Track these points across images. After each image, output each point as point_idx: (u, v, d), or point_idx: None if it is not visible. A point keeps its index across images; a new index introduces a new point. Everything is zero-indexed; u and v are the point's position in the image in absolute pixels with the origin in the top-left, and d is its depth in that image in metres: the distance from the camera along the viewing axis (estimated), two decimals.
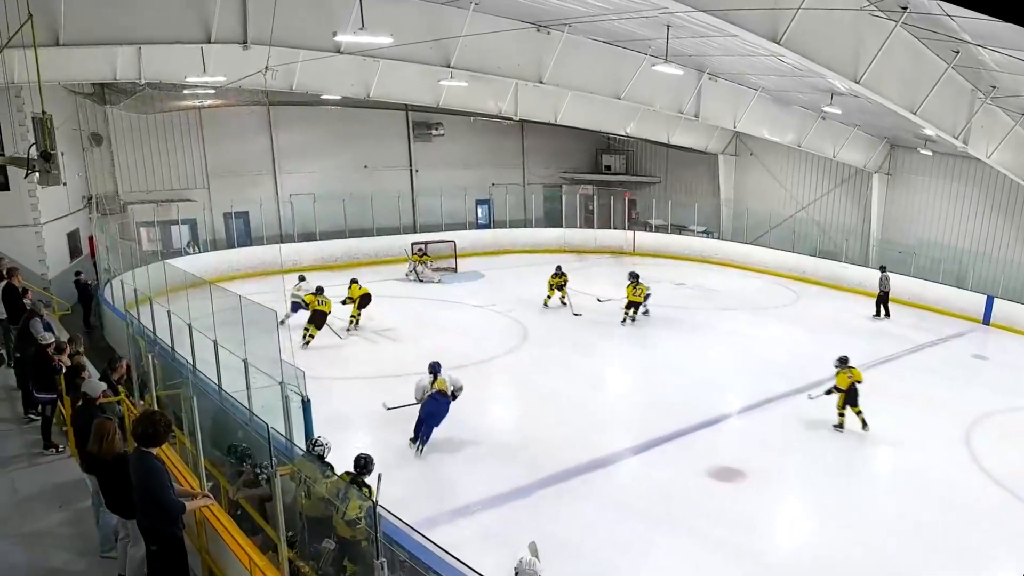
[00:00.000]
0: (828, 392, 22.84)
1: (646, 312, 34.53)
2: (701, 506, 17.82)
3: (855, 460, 20.81)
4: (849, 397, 22.61)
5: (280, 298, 31.99)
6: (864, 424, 22.33)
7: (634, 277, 33.75)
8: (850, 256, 43.40)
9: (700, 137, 49.38)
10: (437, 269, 42.63)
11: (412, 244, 43.67)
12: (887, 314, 36.43)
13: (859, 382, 22.75)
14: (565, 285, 36.03)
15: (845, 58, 23.45)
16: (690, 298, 37.37)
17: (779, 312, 36.39)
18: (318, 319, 29.33)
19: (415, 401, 20.91)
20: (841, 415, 22.62)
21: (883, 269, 37.45)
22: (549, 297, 36.25)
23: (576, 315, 34.35)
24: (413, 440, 20.27)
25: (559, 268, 36.69)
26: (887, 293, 36.54)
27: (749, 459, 20.12)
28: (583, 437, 21.28)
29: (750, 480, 19.10)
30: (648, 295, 34.06)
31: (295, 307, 31.44)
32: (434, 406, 20.47)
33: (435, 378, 20.86)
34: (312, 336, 29.18)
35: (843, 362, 23.12)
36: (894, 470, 20.77)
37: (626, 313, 33.50)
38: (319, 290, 30.03)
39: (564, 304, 35.61)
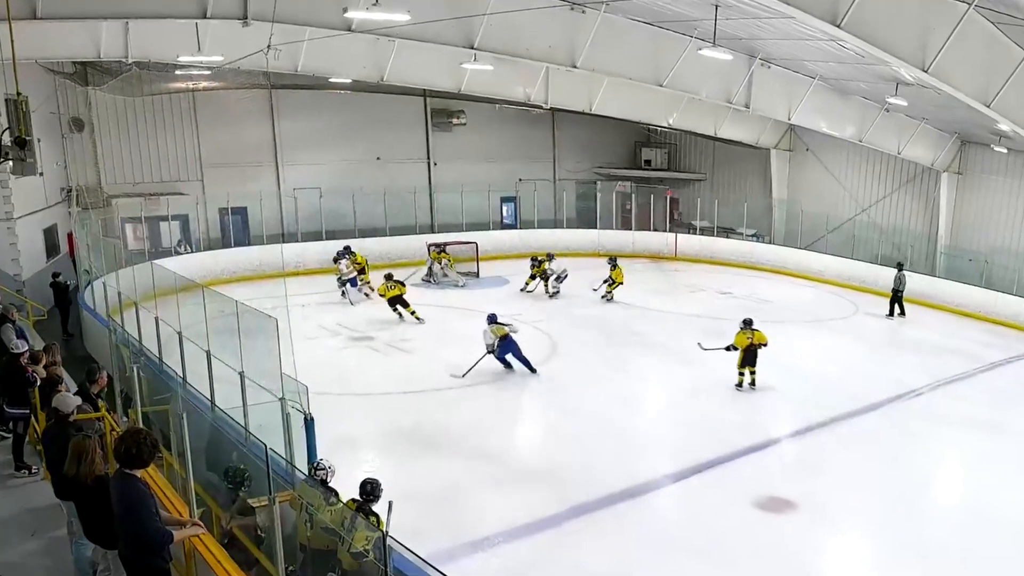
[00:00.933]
0: (727, 349, 27.06)
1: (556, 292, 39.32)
2: (747, 540, 17.57)
3: (918, 490, 20.48)
4: (747, 358, 26.54)
5: (281, 303, 31.94)
6: (753, 384, 26.62)
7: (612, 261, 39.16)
8: (915, 264, 43.14)
9: (750, 130, 49.24)
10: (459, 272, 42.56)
11: (428, 244, 43.56)
12: (902, 312, 37.99)
13: (763, 344, 26.68)
14: (542, 274, 39.41)
15: (912, 44, 23.29)
16: (737, 309, 37.06)
17: (835, 325, 36.19)
18: (400, 302, 33.04)
19: (485, 353, 26.85)
20: (740, 375, 26.66)
21: (900, 267, 38.73)
22: (527, 284, 39.70)
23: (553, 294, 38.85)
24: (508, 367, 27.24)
25: (535, 259, 39.99)
26: (900, 292, 38.02)
27: (801, 488, 19.85)
28: (616, 462, 21.03)
29: (802, 512, 18.84)
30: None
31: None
32: (506, 347, 27.10)
33: (494, 326, 26.96)
34: (412, 313, 33.70)
35: (747, 324, 27.11)
36: (960, 502, 20.48)
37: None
38: (388, 276, 33.18)
39: (547, 291, 39.06)
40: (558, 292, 39.06)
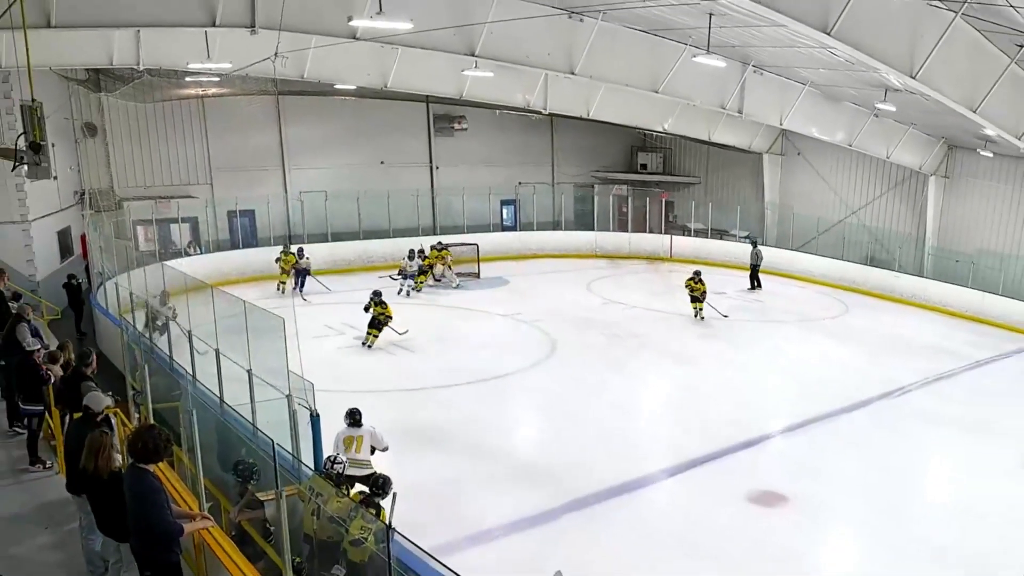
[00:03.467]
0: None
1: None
2: (740, 533, 17.61)
3: (906, 487, 20.52)
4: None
5: (288, 303, 32.11)
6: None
7: None
8: (903, 265, 43.19)
9: (743, 135, 49.23)
10: (459, 273, 42.52)
11: (430, 247, 43.50)
12: (759, 285, 42.63)
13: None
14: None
15: (900, 51, 23.31)
16: (730, 309, 37.20)
17: (827, 324, 36.18)
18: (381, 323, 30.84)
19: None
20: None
21: (754, 244, 44.03)
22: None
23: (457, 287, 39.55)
24: None
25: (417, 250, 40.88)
26: (757, 266, 42.84)
27: (792, 484, 19.88)
28: (614, 458, 21.09)
29: (793, 506, 18.89)
30: None
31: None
32: None
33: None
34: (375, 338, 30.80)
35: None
36: (948, 499, 20.48)
37: None
38: (376, 293, 31.41)
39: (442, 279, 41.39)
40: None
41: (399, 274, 39.88)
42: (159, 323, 29.16)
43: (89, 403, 12.50)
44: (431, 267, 40.25)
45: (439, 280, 41.64)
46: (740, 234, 50.83)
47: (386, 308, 30.39)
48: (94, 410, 12.39)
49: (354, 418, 17.99)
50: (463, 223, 49.87)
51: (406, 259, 40.31)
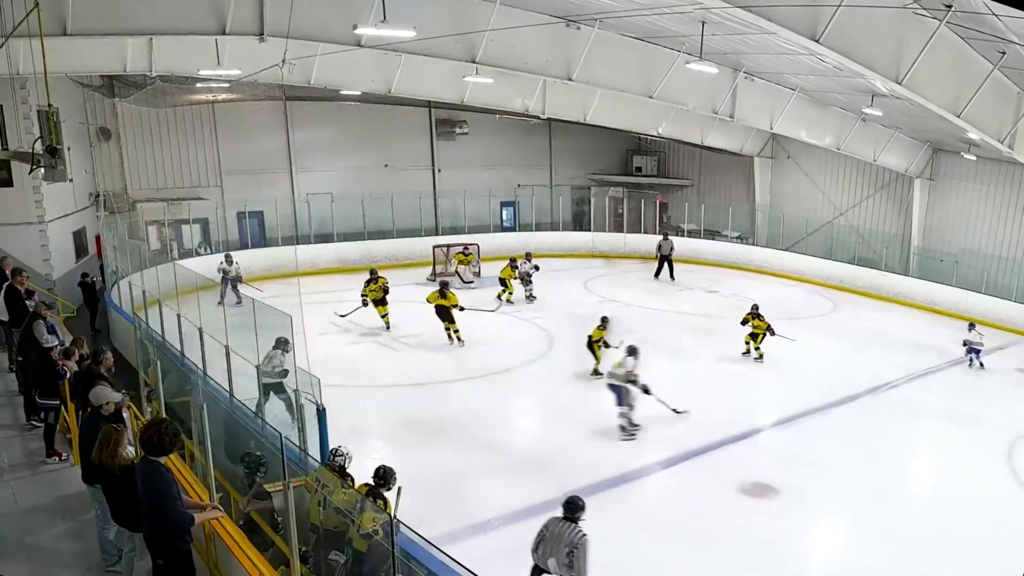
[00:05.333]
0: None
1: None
2: (732, 523, 17.68)
3: (893, 477, 20.56)
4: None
5: (296, 302, 31.99)
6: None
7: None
8: (890, 264, 43.21)
9: (735, 139, 49.28)
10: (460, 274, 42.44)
11: (434, 247, 43.59)
12: (670, 273, 44.55)
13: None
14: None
15: (887, 58, 23.34)
16: (723, 307, 37.20)
17: (816, 322, 36.15)
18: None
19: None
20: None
21: (665, 236, 45.85)
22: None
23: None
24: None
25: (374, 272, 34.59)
26: (667, 257, 44.72)
27: (783, 475, 19.95)
28: (610, 450, 21.18)
29: (784, 497, 18.93)
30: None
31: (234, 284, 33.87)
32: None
33: None
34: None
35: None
36: (933, 489, 20.65)
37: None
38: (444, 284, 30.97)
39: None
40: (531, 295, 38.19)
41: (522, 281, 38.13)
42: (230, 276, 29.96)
43: (91, 397, 12.56)
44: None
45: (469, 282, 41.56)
46: (732, 235, 50.87)
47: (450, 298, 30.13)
48: (94, 404, 12.44)
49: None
50: (464, 224, 49.85)
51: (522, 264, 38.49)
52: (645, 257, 48.64)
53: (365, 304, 31.82)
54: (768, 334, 29.40)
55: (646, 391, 22.69)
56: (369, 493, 12.87)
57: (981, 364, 30.02)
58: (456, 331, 30.14)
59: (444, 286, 30.65)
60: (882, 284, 41.75)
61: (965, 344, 29.89)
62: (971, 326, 30.15)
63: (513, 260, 38.29)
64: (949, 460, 21.84)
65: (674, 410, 23.22)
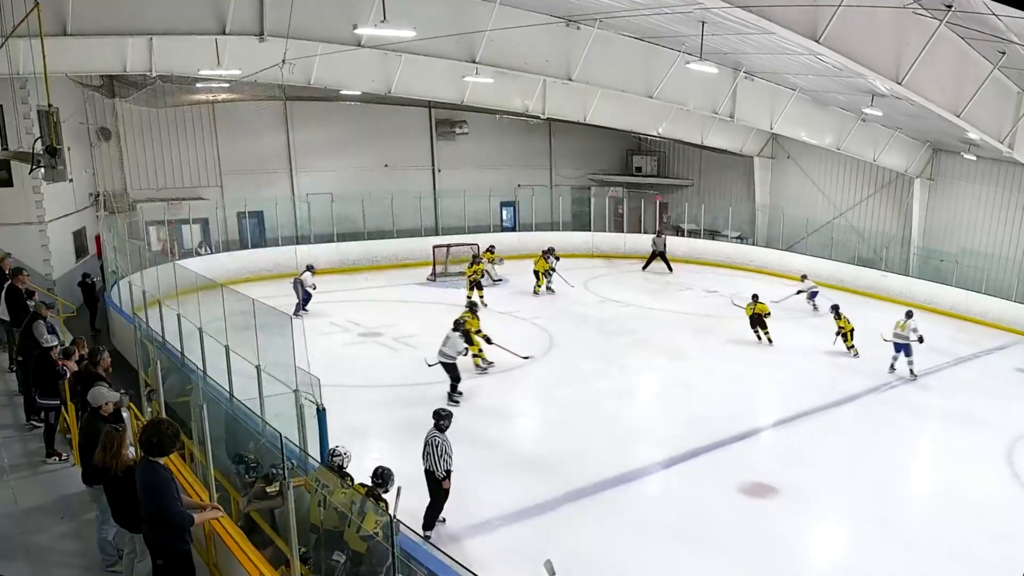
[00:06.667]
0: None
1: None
2: (732, 523, 17.66)
3: (892, 477, 20.57)
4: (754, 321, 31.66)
5: (295, 301, 32.17)
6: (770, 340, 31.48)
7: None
8: (890, 264, 43.21)
9: (735, 139, 49.29)
10: (461, 273, 42.18)
11: (434, 247, 43.50)
12: (653, 264, 46.64)
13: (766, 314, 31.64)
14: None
15: (887, 58, 23.32)
16: (723, 306, 37.19)
17: (815, 322, 36.07)
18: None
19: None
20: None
21: (659, 234, 47.86)
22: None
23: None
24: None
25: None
26: (660, 252, 46.54)
27: (783, 475, 19.94)
28: (610, 450, 21.13)
29: (783, 496, 18.92)
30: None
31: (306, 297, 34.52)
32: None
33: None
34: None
35: (753, 298, 32.09)
36: (933, 489, 20.59)
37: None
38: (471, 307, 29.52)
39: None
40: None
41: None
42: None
43: (90, 398, 12.56)
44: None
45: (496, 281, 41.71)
46: (732, 234, 50.92)
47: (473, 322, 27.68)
48: (93, 405, 12.43)
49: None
50: (464, 224, 49.74)
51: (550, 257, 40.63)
52: (645, 257, 48.66)
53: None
54: (849, 335, 30.75)
55: (488, 341, 27.15)
56: (368, 494, 12.88)
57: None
58: (478, 354, 27.67)
59: (472, 307, 28.60)
60: (882, 284, 41.71)
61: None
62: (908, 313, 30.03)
63: (544, 252, 40.47)
64: (949, 460, 21.79)
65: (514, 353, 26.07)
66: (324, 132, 48.10)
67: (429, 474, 16.29)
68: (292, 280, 35.14)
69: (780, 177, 51.12)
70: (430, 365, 24.62)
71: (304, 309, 33.93)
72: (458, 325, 25.52)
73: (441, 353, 24.48)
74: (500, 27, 28.46)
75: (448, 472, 16.31)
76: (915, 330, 28.38)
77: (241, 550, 10.99)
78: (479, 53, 30.11)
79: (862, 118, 39.00)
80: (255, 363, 17.18)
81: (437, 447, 16.24)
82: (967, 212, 41.79)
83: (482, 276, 38.34)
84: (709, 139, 48.34)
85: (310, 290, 34.33)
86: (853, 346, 30.50)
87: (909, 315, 29.06)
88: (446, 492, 16.44)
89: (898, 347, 28.68)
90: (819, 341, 32.20)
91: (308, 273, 34.79)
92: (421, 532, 15.84)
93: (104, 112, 41.43)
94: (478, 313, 28.09)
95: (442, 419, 16.68)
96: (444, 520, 16.63)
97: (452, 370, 24.54)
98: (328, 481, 12.49)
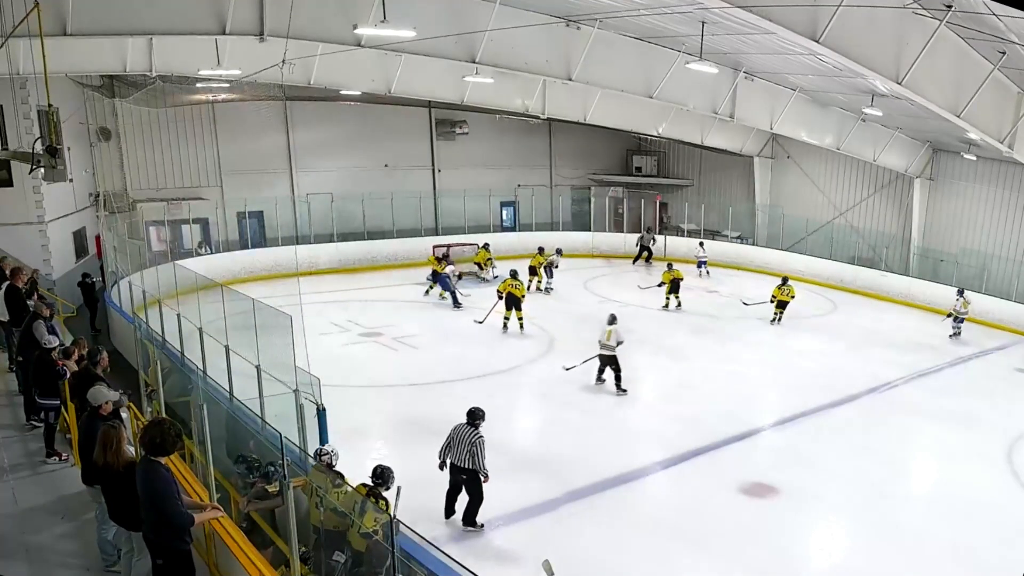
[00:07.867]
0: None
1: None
2: (732, 523, 17.61)
3: (892, 477, 20.51)
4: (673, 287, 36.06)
5: (295, 301, 31.98)
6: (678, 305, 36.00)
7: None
8: (890, 264, 43.21)
9: (735, 139, 49.36)
10: (463, 273, 42.18)
11: (434, 247, 43.40)
12: (648, 260, 48.62)
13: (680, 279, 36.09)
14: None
15: (887, 58, 23.36)
16: (723, 307, 37.28)
17: (816, 322, 36.19)
18: (514, 302, 32.04)
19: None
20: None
21: (648, 229, 50.09)
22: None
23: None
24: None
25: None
26: (646, 247, 48.86)
27: (783, 475, 19.90)
28: (611, 451, 21.10)
29: (784, 497, 18.90)
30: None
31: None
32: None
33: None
34: (508, 319, 32.29)
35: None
36: (933, 489, 20.58)
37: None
38: (513, 274, 32.36)
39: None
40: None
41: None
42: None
43: (89, 398, 12.53)
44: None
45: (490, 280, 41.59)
46: (732, 235, 50.94)
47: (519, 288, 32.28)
48: (92, 404, 12.42)
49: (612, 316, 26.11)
50: (464, 224, 49.70)
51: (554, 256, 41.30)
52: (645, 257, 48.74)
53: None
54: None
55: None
56: (369, 493, 12.87)
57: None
58: (520, 319, 32.12)
59: (514, 275, 32.44)
60: (882, 284, 41.78)
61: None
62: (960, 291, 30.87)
63: (541, 249, 40.88)
64: (949, 460, 21.77)
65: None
66: (324, 132, 48.13)
67: (470, 472, 16.60)
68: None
69: (780, 177, 51.17)
70: (567, 369, 26.40)
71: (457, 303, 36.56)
72: (613, 319, 26.28)
73: (602, 346, 25.64)
74: (500, 27, 28.45)
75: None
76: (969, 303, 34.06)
77: (241, 550, 10.97)
78: (479, 53, 30.10)
79: (862, 118, 39.03)
80: (255, 363, 17.19)
81: (481, 447, 16.65)
82: (967, 212, 41.83)
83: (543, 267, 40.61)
84: (709, 139, 48.39)
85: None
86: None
87: (961, 292, 33.37)
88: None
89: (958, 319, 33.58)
90: (818, 341, 32.27)
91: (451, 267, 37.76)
92: (469, 528, 16.62)
93: (104, 112, 41.44)
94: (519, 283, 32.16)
95: (478, 418, 17.10)
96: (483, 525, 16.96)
97: (614, 362, 25.54)
98: (322, 482, 12.48)
